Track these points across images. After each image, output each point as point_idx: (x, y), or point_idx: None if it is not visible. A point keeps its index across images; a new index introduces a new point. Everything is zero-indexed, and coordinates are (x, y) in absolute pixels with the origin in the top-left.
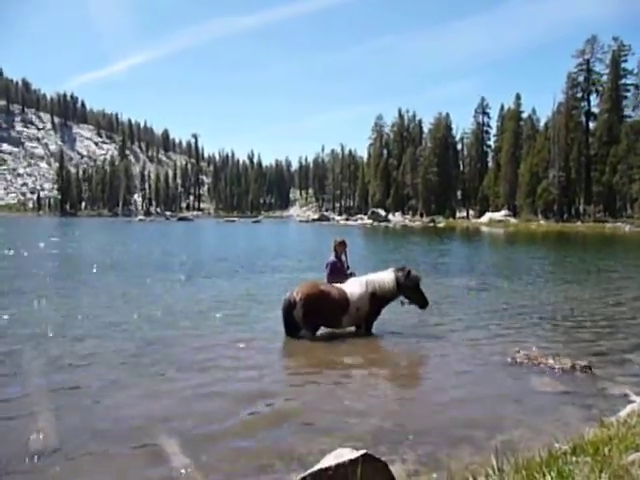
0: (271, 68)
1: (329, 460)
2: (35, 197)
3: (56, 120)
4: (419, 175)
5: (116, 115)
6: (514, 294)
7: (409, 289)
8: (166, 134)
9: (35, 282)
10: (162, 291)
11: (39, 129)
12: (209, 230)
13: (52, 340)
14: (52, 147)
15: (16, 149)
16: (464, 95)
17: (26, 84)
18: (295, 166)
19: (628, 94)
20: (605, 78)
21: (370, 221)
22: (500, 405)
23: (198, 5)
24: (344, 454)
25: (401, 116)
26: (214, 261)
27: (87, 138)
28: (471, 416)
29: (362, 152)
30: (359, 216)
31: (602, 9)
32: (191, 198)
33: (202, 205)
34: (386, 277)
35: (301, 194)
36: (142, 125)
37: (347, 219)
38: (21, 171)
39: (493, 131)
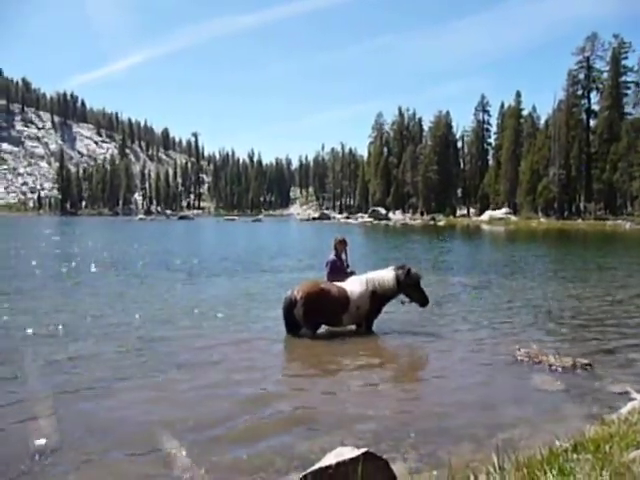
0: (271, 67)
1: (330, 459)
2: (35, 196)
3: (56, 119)
4: (419, 173)
5: (116, 114)
6: (515, 292)
7: (409, 287)
8: (166, 133)
9: (35, 282)
10: (163, 290)
11: (39, 128)
12: (209, 229)
13: (52, 340)
14: (52, 146)
15: (16, 148)
16: (464, 94)
17: (26, 83)
18: (295, 164)
19: (628, 91)
20: (605, 75)
21: (370, 219)
22: (501, 403)
23: (197, 4)
24: (345, 452)
25: (401, 114)
26: (214, 260)
27: (87, 137)
28: (472, 414)
29: (362, 150)
30: (359, 214)
31: (601, 7)
32: (191, 197)
33: (202, 204)
34: (386, 275)
35: (301, 192)
36: (142, 124)
37: (347, 217)
38: (21, 170)
39: (493, 129)
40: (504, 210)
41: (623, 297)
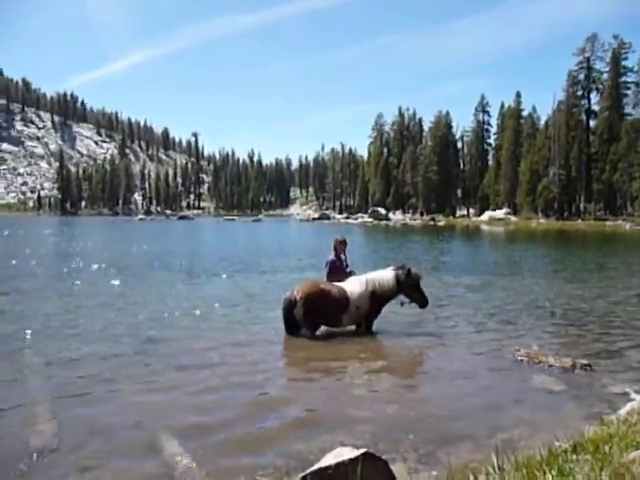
0: (271, 67)
1: (329, 459)
2: (35, 196)
3: (56, 119)
4: (419, 173)
5: (116, 114)
6: (514, 292)
7: (409, 288)
8: (166, 133)
9: (35, 282)
10: (163, 290)
11: (39, 128)
12: (209, 229)
13: (52, 340)
14: (52, 146)
15: (16, 148)
16: (464, 94)
17: (26, 83)
18: (295, 165)
19: (628, 92)
20: (605, 76)
21: (370, 220)
22: (500, 403)
23: (197, 4)
24: (344, 453)
25: (401, 114)
26: (214, 260)
27: (87, 137)
28: (471, 414)
29: (362, 151)
30: (359, 215)
31: (602, 8)
32: (191, 197)
33: (202, 204)
34: (386, 276)
35: (301, 193)
36: (142, 124)
37: (347, 218)
38: (21, 170)
39: (493, 129)
40: (504, 210)
41: (623, 298)
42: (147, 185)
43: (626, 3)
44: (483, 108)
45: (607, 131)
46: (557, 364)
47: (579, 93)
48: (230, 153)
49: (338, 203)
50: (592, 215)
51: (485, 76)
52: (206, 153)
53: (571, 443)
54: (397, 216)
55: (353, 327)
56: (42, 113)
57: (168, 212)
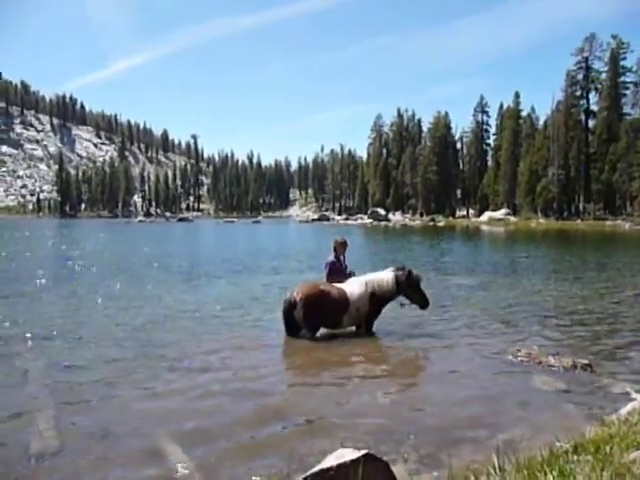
0: (270, 68)
1: (330, 460)
2: (35, 199)
3: (55, 122)
4: (419, 174)
5: (115, 116)
6: (515, 292)
7: (410, 289)
8: (165, 135)
9: (35, 285)
10: (162, 292)
11: (38, 131)
12: (209, 231)
13: (52, 342)
14: (51, 149)
15: (15, 151)
16: (463, 94)
17: (25, 86)
18: (294, 166)
19: (627, 92)
20: (604, 76)
21: (370, 220)
22: (501, 404)
23: (196, 5)
24: (345, 454)
25: (400, 115)
26: (214, 262)
27: (86, 139)
28: (472, 415)
29: (361, 152)
30: (359, 216)
31: (601, 7)
32: (191, 199)
33: (202, 206)
34: (385, 277)
35: (301, 194)
36: (141, 126)
37: (347, 219)
38: (21, 173)
39: (492, 130)
40: (503, 211)
41: (623, 297)
42: (146, 187)
43: (625, 3)
44: (482, 108)
45: (606, 131)
46: (558, 364)
47: (578, 93)
48: (229, 154)
49: (337, 204)
50: (591, 215)
51: (484, 76)
52: (205, 155)
53: (572, 444)
54: (397, 217)
55: (353, 328)
56: (41, 116)
57: (167, 214)
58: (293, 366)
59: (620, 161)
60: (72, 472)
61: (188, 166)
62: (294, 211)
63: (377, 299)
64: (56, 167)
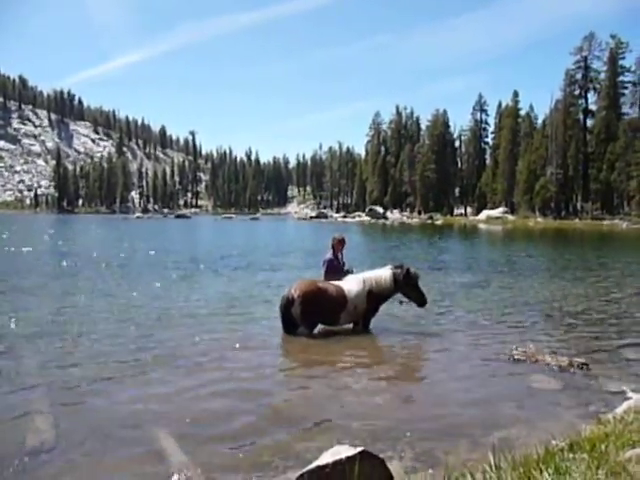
0: (269, 65)
1: (326, 457)
2: (32, 194)
3: (53, 117)
4: (417, 172)
5: (113, 112)
6: (511, 291)
7: (408, 287)
8: (163, 131)
9: (33, 281)
10: (160, 290)
11: (36, 126)
12: (207, 227)
13: (49, 339)
14: (49, 144)
15: (13, 146)
16: (461, 92)
17: (23, 81)
18: (293, 163)
19: (626, 91)
20: (603, 75)
21: (368, 218)
22: (497, 402)
23: (196, 2)
24: (341, 451)
25: (399, 113)
26: (212, 259)
27: (84, 135)
28: (468, 413)
29: (360, 149)
30: (357, 213)
31: (600, 5)
32: (189, 195)
33: (200, 202)
34: (383, 275)
35: (299, 191)
36: (139, 122)
37: (345, 216)
38: (18, 168)
39: (491, 128)
40: (501, 209)
41: (620, 296)
42: (144, 183)
43: (624, 0)
44: (481, 107)
45: (604, 130)
46: (554, 363)
47: (576, 92)
48: (228, 151)
49: (336, 202)
50: (589, 214)
51: (482, 73)
52: (204, 151)
53: (568, 442)
54: (395, 215)
55: (350, 326)
56: (39, 111)
57: (165, 210)
58: (289, 363)
59: (618, 160)
60: (69, 467)
61: (186, 162)
62: (292, 208)
63: (374, 297)
64: (54, 162)
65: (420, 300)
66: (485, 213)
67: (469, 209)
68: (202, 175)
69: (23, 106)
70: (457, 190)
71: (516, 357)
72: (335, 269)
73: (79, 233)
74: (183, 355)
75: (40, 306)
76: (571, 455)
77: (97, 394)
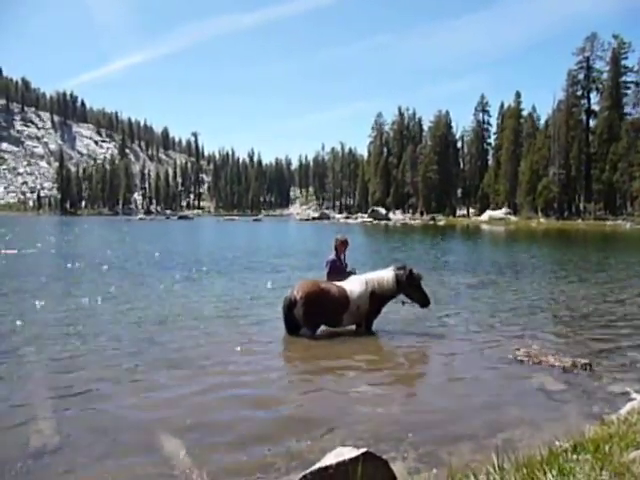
0: (271, 66)
1: (330, 459)
2: (35, 196)
3: (56, 119)
4: (419, 173)
5: (116, 114)
6: (515, 292)
7: (410, 288)
8: (166, 132)
9: (35, 282)
10: (162, 290)
11: (39, 128)
12: (209, 229)
13: (52, 339)
14: (52, 146)
15: (16, 148)
16: (463, 92)
17: (26, 83)
18: (295, 164)
19: (628, 91)
20: (605, 76)
21: (370, 219)
22: (501, 403)
23: (197, 4)
24: (345, 453)
25: (401, 114)
26: (215, 260)
27: (87, 137)
28: (472, 414)
29: (362, 150)
30: (359, 214)
31: (601, 5)
32: (191, 196)
33: (202, 203)
34: (386, 275)
35: (301, 192)
36: (142, 124)
37: (347, 217)
38: (21, 170)
39: (493, 129)
40: (504, 210)
41: (623, 297)
42: (147, 185)
43: (626, 0)
44: (483, 108)
45: (607, 131)
46: (557, 364)
47: (579, 93)
48: (230, 153)
49: (338, 203)
50: (592, 215)
51: (484, 74)
52: (206, 153)
53: (571, 443)
54: (397, 216)
55: (353, 327)
56: (42, 113)
57: (168, 212)
58: (292, 364)
59: (621, 161)
60: (71, 467)
61: (189, 164)
62: (294, 209)
63: (377, 298)
64: (56, 164)
65: (423, 301)
66: (488, 214)
67: (471, 210)
68: (204, 176)
69: (26, 108)
70: (459, 191)
71: (519, 357)
72: (338, 270)
73: (82, 235)
74: (184, 356)
75: (44, 308)
76: (575, 456)
77: (101, 397)
